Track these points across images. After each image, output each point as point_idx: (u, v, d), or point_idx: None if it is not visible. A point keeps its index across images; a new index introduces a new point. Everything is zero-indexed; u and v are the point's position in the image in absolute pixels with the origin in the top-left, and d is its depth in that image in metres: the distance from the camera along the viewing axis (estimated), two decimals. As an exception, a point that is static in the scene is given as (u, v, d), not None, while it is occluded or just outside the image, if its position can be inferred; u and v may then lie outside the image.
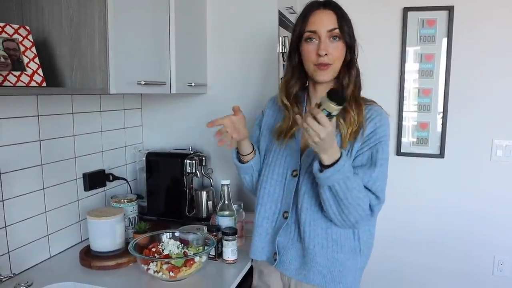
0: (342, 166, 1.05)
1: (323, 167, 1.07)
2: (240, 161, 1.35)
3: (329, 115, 0.98)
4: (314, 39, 1.18)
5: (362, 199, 1.12)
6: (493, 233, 2.20)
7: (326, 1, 1.20)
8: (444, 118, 2.19)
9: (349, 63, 1.22)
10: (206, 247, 1.35)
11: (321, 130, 0.98)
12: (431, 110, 2.21)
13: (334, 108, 0.97)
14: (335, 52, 1.17)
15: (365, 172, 1.15)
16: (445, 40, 2.13)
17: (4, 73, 1.04)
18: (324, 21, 1.17)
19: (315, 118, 0.98)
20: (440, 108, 2.19)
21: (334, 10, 1.19)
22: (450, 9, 2.10)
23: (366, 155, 1.17)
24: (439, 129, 2.21)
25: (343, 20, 1.18)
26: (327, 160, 1.06)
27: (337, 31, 1.17)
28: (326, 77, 1.20)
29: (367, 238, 1.25)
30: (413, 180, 2.27)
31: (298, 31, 1.21)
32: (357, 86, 1.23)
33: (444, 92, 2.17)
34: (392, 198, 2.21)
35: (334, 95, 0.97)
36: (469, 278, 2.25)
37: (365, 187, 1.15)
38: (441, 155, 2.21)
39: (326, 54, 1.16)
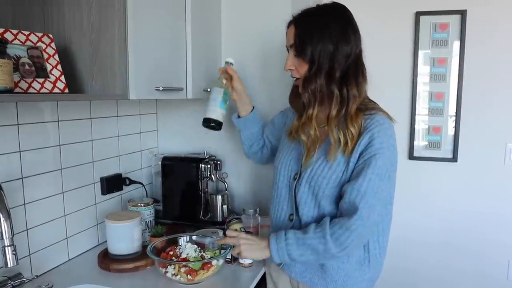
0: (275, 249, 1.15)
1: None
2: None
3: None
4: None
5: (324, 243, 1.10)
6: (508, 238, 2.17)
7: (293, 15, 1.23)
8: (457, 122, 2.17)
9: (324, 79, 1.16)
10: (222, 251, 1.36)
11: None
12: (443, 114, 2.20)
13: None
14: (299, 67, 1.21)
15: (353, 186, 1.10)
16: (458, 44, 2.12)
17: (29, 80, 1.07)
18: (288, 37, 1.23)
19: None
20: (453, 112, 2.18)
21: (295, 24, 1.20)
22: (462, 13, 2.09)
23: (360, 167, 1.12)
24: (452, 133, 2.20)
25: (304, 34, 1.16)
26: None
27: (295, 46, 1.18)
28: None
29: (377, 249, 1.23)
30: (426, 184, 2.25)
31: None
32: (343, 103, 1.15)
33: (457, 96, 2.15)
34: (405, 201, 2.23)
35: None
36: (483, 282, 2.23)
37: (349, 201, 1.10)
38: (454, 159, 2.20)
39: (290, 69, 1.22)
